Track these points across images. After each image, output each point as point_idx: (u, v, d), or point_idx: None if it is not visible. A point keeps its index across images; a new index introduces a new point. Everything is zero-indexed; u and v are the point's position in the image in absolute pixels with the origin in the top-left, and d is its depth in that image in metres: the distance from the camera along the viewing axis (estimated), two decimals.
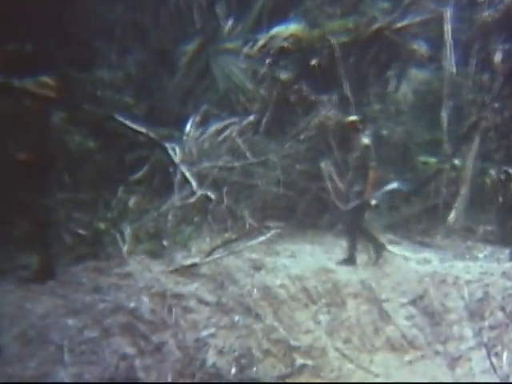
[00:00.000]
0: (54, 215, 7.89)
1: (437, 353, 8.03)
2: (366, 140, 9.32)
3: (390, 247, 9.95)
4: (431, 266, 9.36)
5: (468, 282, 8.78)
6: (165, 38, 11.98)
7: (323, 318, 8.21)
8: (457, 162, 11.83)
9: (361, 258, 9.39)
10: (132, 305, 7.05)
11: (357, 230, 9.30)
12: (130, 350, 6.54)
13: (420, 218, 11.37)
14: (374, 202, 9.31)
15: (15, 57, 8.44)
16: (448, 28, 12.01)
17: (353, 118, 9.73)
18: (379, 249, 9.44)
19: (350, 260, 9.21)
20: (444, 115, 12.06)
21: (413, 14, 12.40)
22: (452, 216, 11.05)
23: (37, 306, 6.73)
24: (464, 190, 11.34)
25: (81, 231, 8.53)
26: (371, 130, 11.39)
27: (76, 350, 6.29)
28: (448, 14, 11.97)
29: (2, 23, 8.48)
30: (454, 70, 12.06)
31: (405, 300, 8.60)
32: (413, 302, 8.58)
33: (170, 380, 6.52)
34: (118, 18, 11.21)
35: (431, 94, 12.75)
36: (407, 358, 7.95)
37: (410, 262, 9.50)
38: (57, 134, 7.72)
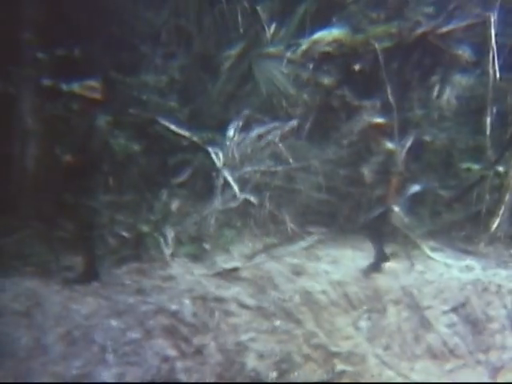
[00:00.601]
0: (99, 217, 8.01)
1: (478, 362, 7.94)
2: (390, 145, 9.20)
3: (431, 254, 9.90)
4: (473, 274, 9.24)
5: (511, 291, 8.69)
6: (208, 42, 12.04)
7: (364, 324, 8.20)
8: (500, 168, 11.65)
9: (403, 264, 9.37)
10: (174, 307, 7.13)
11: (382, 237, 9.21)
12: (172, 352, 6.62)
13: (462, 225, 11.21)
14: (397, 209, 9.21)
15: (64, 61, 8.61)
16: (493, 33, 11.84)
17: (379, 120, 9.60)
18: (381, 259, 9.19)
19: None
20: (488, 121, 11.90)
21: (457, 18, 12.26)
22: (495, 223, 10.89)
23: (81, 307, 6.86)
24: (508, 197, 11.16)
25: (124, 233, 8.67)
26: (413, 136, 11.40)
27: (119, 350, 6.40)
28: (493, 18, 11.81)
29: (52, 29, 8.65)
30: (499, 75, 11.89)
31: (446, 308, 8.53)
32: (454, 310, 8.50)
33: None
34: (163, 22, 11.32)
35: (475, 99, 12.57)
36: (448, 366, 7.88)
37: (451, 270, 9.39)
38: (102, 137, 7.82)
